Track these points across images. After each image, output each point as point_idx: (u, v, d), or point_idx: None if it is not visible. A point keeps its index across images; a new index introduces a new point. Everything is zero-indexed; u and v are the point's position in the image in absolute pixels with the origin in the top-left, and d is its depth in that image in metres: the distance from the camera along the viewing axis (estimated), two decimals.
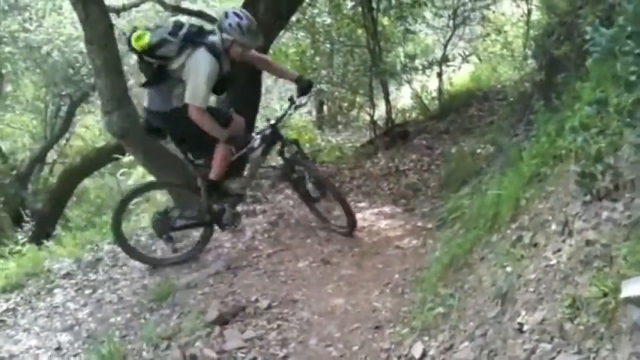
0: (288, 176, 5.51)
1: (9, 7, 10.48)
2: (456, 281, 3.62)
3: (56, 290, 5.32)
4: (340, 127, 10.37)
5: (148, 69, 4.69)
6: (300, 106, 5.32)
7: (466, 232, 3.99)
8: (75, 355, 4.38)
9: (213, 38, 4.63)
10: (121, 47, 5.97)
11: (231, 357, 3.69)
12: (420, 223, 5.42)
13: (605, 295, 2.18)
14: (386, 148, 7.46)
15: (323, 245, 5.22)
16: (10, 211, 10.47)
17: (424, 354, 3.26)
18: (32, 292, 5.37)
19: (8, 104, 12.51)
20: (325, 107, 10.86)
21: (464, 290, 3.44)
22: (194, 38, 4.58)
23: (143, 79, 4.84)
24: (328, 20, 8.67)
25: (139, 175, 7.12)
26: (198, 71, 4.51)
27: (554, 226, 2.90)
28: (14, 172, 11.54)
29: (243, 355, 3.70)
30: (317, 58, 9.15)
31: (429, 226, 5.23)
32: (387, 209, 5.89)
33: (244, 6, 5.66)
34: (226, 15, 4.65)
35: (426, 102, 8.95)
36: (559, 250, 2.71)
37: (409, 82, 8.76)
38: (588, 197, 2.68)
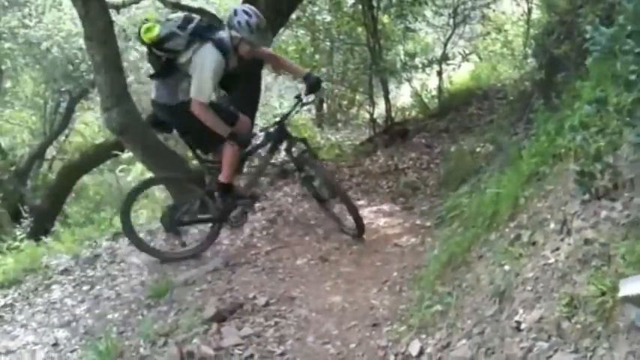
0: (287, 173, 5.51)
1: (9, 3, 10.47)
2: (454, 279, 3.62)
3: (54, 286, 5.31)
4: (340, 125, 10.37)
5: (157, 61, 4.69)
6: (307, 103, 5.30)
7: (465, 231, 3.99)
8: (72, 351, 4.37)
9: (222, 34, 4.60)
10: (121, 44, 5.97)
11: (228, 354, 3.68)
12: (418, 222, 5.41)
13: (603, 293, 2.18)
14: (385, 146, 7.45)
15: (321, 243, 5.22)
16: (9, 207, 10.46)
17: (421, 352, 3.26)
18: (30, 288, 5.36)
19: (7, 100, 12.50)
20: (325, 105, 10.86)
21: (462, 288, 3.44)
22: (202, 33, 4.55)
23: (152, 71, 4.85)
24: (328, 18, 8.67)
25: (138, 171, 7.12)
26: (203, 66, 4.49)
27: (552, 225, 2.90)
28: (13, 168, 11.51)
29: (241, 352, 3.69)
30: (317, 56, 9.15)
31: (428, 224, 5.22)
32: (385, 207, 5.88)
33: (244, 3, 5.65)
34: (235, 12, 4.61)
35: (426, 100, 8.95)
36: (557, 249, 2.70)
37: (409, 80, 8.77)
38: (587, 196, 2.68)
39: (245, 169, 6.01)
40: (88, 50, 5.77)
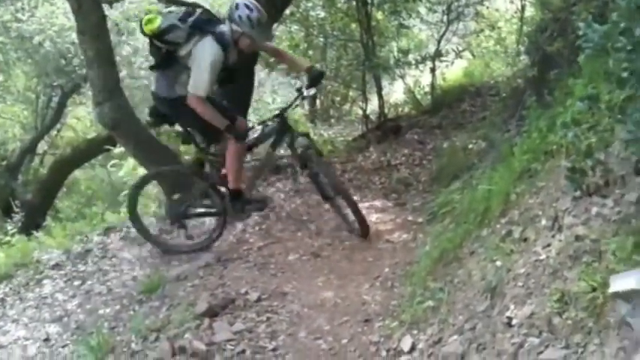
0: (279, 169, 5.47)
1: None
2: (446, 275, 3.63)
3: (45, 281, 5.29)
4: (333, 120, 10.36)
5: (157, 53, 4.66)
6: (308, 97, 5.18)
7: (456, 227, 4.00)
8: (63, 346, 4.36)
9: (223, 28, 4.54)
10: (114, 38, 5.94)
11: (220, 349, 3.69)
12: (410, 218, 5.42)
13: (594, 289, 2.20)
14: (378, 142, 7.45)
15: (313, 238, 5.22)
16: (0, 202, 10.42)
17: (413, 347, 3.28)
18: (21, 282, 5.34)
19: None
20: (318, 101, 10.85)
21: (453, 284, 3.45)
22: (203, 26, 4.50)
23: (153, 63, 4.82)
24: (322, 14, 8.65)
25: (130, 166, 7.09)
26: (202, 60, 4.44)
27: (544, 221, 2.91)
28: (4, 163, 11.48)
29: (232, 348, 3.70)
30: (310, 52, 9.13)
31: (420, 220, 5.23)
32: (378, 203, 5.88)
33: None
34: (237, 6, 4.52)
35: (419, 97, 8.94)
36: (548, 245, 2.72)
37: (402, 76, 8.75)
38: (578, 193, 2.69)
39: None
40: (80, 44, 5.73)
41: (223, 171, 4.94)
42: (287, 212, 5.76)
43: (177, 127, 5.17)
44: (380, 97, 8.22)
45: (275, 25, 7.71)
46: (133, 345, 3.95)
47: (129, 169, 7.08)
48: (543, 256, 2.68)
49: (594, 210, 2.54)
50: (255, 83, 7.37)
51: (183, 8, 4.69)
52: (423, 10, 8.70)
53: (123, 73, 8.92)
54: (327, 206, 5.58)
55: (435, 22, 8.88)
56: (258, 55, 6.06)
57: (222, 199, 5.07)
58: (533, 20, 7.00)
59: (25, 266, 5.58)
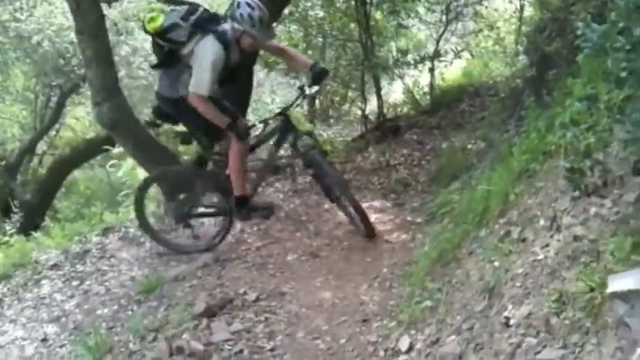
0: (278, 169, 5.44)
1: None
2: (444, 275, 3.63)
3: (43, 281, 5.29)
4: (332, 120, 10.36)
5: (160, 52, 4.64)
6: (310, 95, 5.07)
7: (455, 227, 4.00)
8: (61, 347, 4.36)
9: (225, 26, 4.50)
10: (112, 38, 5.93)
11: (218, 349, 3.68)
12: (409, 218, 5.41)
13: (592, 290, 2.19)
14: (377, 142, 7.45)
15: (312, 239, 5.22)
16: None
17: (411, 347, 3.27)
18: (19, 282, 5.33)
19: None
20: (317, 101, 10.85)
21: (451, 284, 3.45)
22: (204, 25, 4.47)
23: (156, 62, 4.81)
24: (321, 14, 8.64)
25: (129, 167, 7.09)
26: (203, 58, 4.41)
27: (542, 222, 2.91)
28: (3, 163, 11.47)
29: (230, 348, 3.69)
30: (309, 52, 9.11)
31: (419, 220, 5.23)
32: (377, 203, 5.88)
33: None
34: (238, 4, 4.46)
35: (418, 97, 8.93)
36: (547, 245, 2.72)
37: (401, 76, 8.74)
38: (577, 193, 2.69)
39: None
40: (79, 44, 5.73)
41: (227, 171, 4.92)
42: (286, 212, 5.75)
43: (180, 127, 5.14)
44: (379, 97, 8.21)
45: (274, 25, 7.71)
46: (130, 345, 3.94)
47: (128, 169, 7.08)
48: (541, 257, 2.68)
49: (593, 210, 2.54)
50: (254, 83, 7.38)
51: (185, 7, 4.64)
52: (421, 9, 8.69)
53: (122, 73, 8.95)
54: (326, 206, 5.59)
55: (433, 21, 8.87)
56: (257, 54, 6.05)
57: (226, 199, 5.03)
58: (532, 20, 7.02)
59: (23, 266, 5.58)
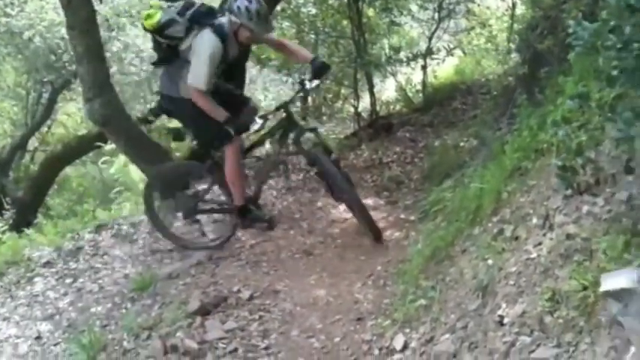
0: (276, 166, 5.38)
1: None
2: (438, 274, 3.64)
3: (36, 279, 5.27)
4: (324, 118, 10.35)
5: (159, 49, 4.64)
6: (311, 90, 4.97)
7: (448, 225, 4.00)
8: (55, 345, 4.35)
9: (222, 20, 4.47)
10: (104, 34, 5.90)
11: (212, 347, 3.69)
12: (402, 216, 5.43)
13: (585, 288, 2.21)
14: (370, 140, 7.45)
15: (306, 237, 5.22)
16: None
17: (405, 346, 3.29)
18: (12, 280, 5.31)
19: None
20: (310, 98, 10.83)
21: (445, 283, 3.46)
22: (201, 19, 4.45)
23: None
24: (313, 10, 8.63)
25: (121, 163, 7.07)
26: (200, 52, 4.39)
27: (535, 220, 2.92)
28: None
29: (224, 346, 3.70)
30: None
31: (412, 218, 5.24)
32: (370, 201, 5.88)
33: None
34: None
35: (410, 95, 8.94)
36: (540, 244, 2.73)
37: (394, 74, 8.75)
38: (569, 191, 2.70)
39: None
40: (70, 40, 5.70)
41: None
42: (279, 210, 5.75)
43: (173, 123, 5.12)
44: (371, 94, 8.21)
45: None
46: (124, 343, 3.94)
47: (120, 166, 7.06)
48: (534, 255, 2.69)
49: (585, 208, 2.55)
50: (247, 80, 7.35)
51: (182, 2, 4.60)
52: (414, 7, 8.70)
53: (113, 69, 8.90)
54: (319, 204, 5.59)
55: (426, 19, 8.87)
56: (250, 50, 6.03)
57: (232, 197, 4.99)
58: (524, 18, 7.02)
59: (16, 264, 5.54)
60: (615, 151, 2.48)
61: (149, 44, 9.68)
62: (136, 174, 6.75)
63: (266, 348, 3.71)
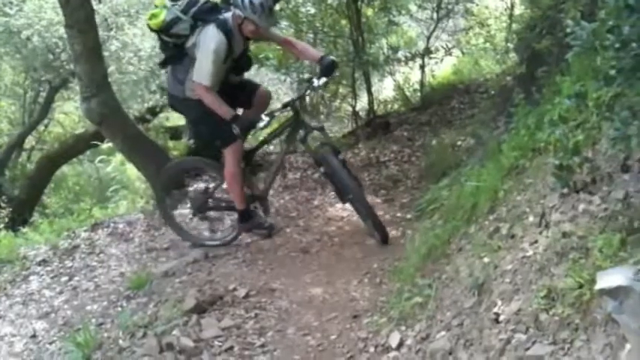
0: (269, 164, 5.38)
1: None
2: (434, 271, 3.64)
3: (32, 277, 5.27)
4: (322, 117, 10.35)
5: (166, 48, 4.64)
6: (319, 88, 4.92)
7: (444, 223, 4.00)
8: (50, 343, 4.34)
9: (226, 15, 4.46)
10: (102, 33, 5.90)
11: (208, 345, 3.67)
12: (399, 214, 5.42)
13: (581, 286, 2.20)
14: (367, 138, 7.45)
15: (302, 235, 5.22)
16: None
17: (401, 343, 3.28)
18: (7, 279, 5.31)
19: None
20: (308, 97, 10.82)
21: (441, 280, 3.46)
22: (205, 16, 4.44)
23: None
24: (312, 10, 8.62)
25: (118, 162, 7.07)
26: (204, 48, 4.38)
27: (531, 218, 2.92)
28: None
29: (220, 344, 3.69)
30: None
31: (409, 216, 5.24)
32: (367, 200, 5.88)
33: None
34: None
35: (408, 94, 8.93)
36: (536, 242, 2.73)
37: (392, 73, 8.75)
38: (566, 190, 2.71)
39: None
40: (68, 39, 5.70)
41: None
42: (275, 208, 5.74)
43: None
44: (369, 93, 8.21)
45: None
46: (120, 341, 3.92)
47: (117, 164, 7.06)
48: (530, 253, 2.69)
49: (581, 207, 2.55)
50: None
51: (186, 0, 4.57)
52: (413, 6, 8.69)
53: (111, 68, 8.88)
54: (315, 202, 5.58)
55: (424, 19, 8.87)
56: (248, 49, 6.02)
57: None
58: (523, 18, 7.01)
59: (11, 262, 5.55)
60: (612, 150, 2.48)
61: (147, 43, 9.80)
62: (133, 172, 6.74)
63: (262, 346, 3.70)
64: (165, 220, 5.33)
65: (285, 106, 4.88)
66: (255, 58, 8.02)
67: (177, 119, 11.00)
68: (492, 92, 7.08)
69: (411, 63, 8.36)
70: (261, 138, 5.31)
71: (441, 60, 8.51)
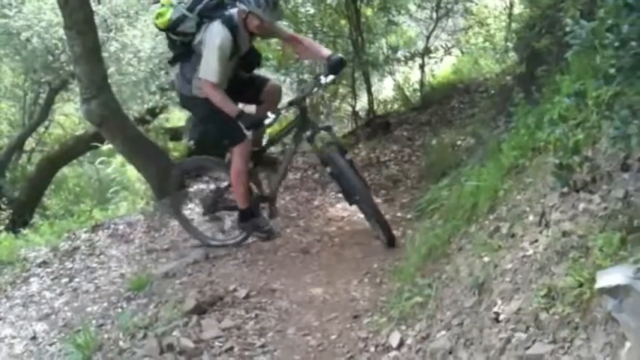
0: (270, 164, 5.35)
1: None
2: (434, 271, 3.64)
3: (32, 279, 5.27)
4: (322, 117, 10.35)
5: (173, 46, 4.64)
6: (326, 85, 4.86)
7: (444, 223, 4.00)
8: (51, 345, 4.34)
9: (232, 11, 4.45)
10: (102, 34, 5.90)
11: (208, 346, 3.67)
12: (399, 214, 5.42)
13: (581, 285, 2.20)
14: (367, 138, 7.45)
15: (302, 235, 5.22)
16: None
17: (401, 343, 3.28)
18: (8, 280, 5.31)
19: None
20: (307, 97, 10.81)
21: (441, 280, 3.45)
22: (211, 12, 4.43)
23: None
24: (311, 10, 8.62)
25: (118, 163, 7.07)
26: (210, 44, 4.37)
27: (531, 217, 2.92)
28: None
29: (221, 345, 3.68)
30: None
31: (409, 216, 5.24)
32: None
33: None
34: None
35: (408, 94, 8.93)
36: (536, 241, 2.73)
37: (391, 73, 8.75)
38: (566, 189, 2.70)
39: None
40: (67, 41, 5.71)
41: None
42: (276, 208, 5.73)
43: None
44: (369, 93, 8.21)
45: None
46: (120, 343, 3.92)
47: (117, 166, 7.06)
48: (530, 252, 2.69)
49: (581, 206, 2.55)
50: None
51: None
52: (412, 6, 8.69)
53: (111, 70, 8.88)
54: (316, 203, 5.58)
55: (424, 18, 8.87)
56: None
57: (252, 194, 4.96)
58: (522, 17, 7.01)
59: (11, 264, 5.56)
60: (612, 149, 2.47)
61: (147, 44, 9.78)
62: (133, 174, 6.74)
63: (262, 346, 3.69)
64: (177, 218, 5.31)
65: (291, 103, 4.85)
66: None
67: (177, 120, 11.02)
68: (492, 92, 7.08)
69: (410, 63, 8.36)
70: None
71: (441, 59, 8.51)
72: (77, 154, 11.38)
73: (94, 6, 6.00)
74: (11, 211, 9.21)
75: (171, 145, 7.32)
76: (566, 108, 2.88)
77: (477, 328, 2.74)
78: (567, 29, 2.38)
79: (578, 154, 2.64)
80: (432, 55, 8.31)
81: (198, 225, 5.43)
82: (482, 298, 2.87)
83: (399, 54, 8.32)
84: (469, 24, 9.02)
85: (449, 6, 8.41)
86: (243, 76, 4.76)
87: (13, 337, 4.51)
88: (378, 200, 5.78)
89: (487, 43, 9.11)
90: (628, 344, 1.87)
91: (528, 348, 2.29)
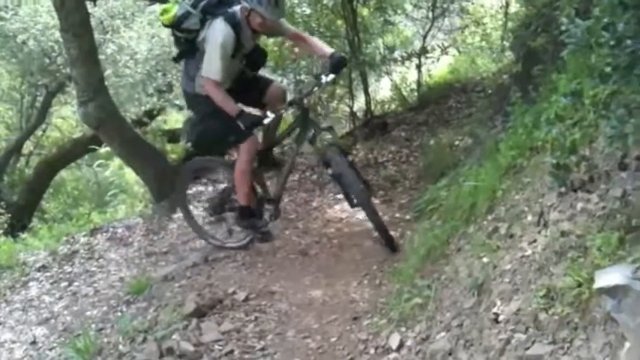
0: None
1: None
2: (433, 272, 3.64)
3: (31, 283, 5.27)
4: (320, 118, 10.35)
5: (178, 43, 4.64)
6: (327, 84, 4.78)
7: (443, 224, 4.00)
8: (50, 349, 4.34)
9: (235, 8, 4.42)
10: (98, 36, 5.89)
11: (208, 349, 3.67)
12: (398, 215, 5.42)
13: (580, 285, 2.20)
14: (365, 139, 7.44)
15: (301, 237, 5.21)
16: None
17: (401, 344, 3.28)
18: (7, 285, 5.31)
19: None
20: (308, 97, 10.80)
21: (440, 281, 3.46)
22: (214, 9, 4.41)
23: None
24: (308, 11, 8.61)
25: (116, 166, 7.07)
26: (212, 41, 4.34)
27: (529, 217, 2.92)
28: None
29: (221, 348, 3.69)
30: (296, 49, 9.08)
31: (407, 217, 5.23)
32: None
33: None
34: None
35: (405, 94, 8.93)
36: (534, 241, 2.73)
37: (388, 73, 8.75)
38: (563, 189, 2.70)
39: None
40: (64, 43, 5.71)
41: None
42: None
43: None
44: (366, 94, 8.20)
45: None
46: (120, 347, 3.92)
47: (115, 168, 7.06)
48: (529, 252, 2.69)
49: (579, 206, 2.55)
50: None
51: None
52: (408, 6, 8.69)
53: (107, 72, 8.87)
54: (314, 204, 5.57)
55: (420, 18, 8.87)
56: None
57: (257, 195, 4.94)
58: (518, 16, 7.01)
59: (10, 268, 5.55)
60: (609, 148, 2.48)
61: (143, 46, 9.77)
62: (131, 176, 6.74)
63: (262, 349, 3.70)
64: (184, 217, 5.30)
65: (291, 103, 4.83)
66: None
67: (174, 122, 11.02)
68: (489, 91, 7.08)
69: (407, 62, 8.35)
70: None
71: (438, 59, 8.50)
72: (75, 157, 11.37)
73: (90, 8, 5.98)
74: (10, 215, 9.18)
75: (168, 147, 7.30)
76: (563, 107, 2.88)
77: (476, 329, 2.74)
78: (563, 28, 2.38)
79: (575, 154, 2.64)
80: (428, 54, 8.31)
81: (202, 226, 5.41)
82: (481, 298, 2.87)
83: (396, 54, 8.31)
84: (465, 23, 9.02)
85: (445, 5, 8.40)
86: (248, 75, 4.75)
87: (13, 342, 4.51)
88: (376, 201, 5.77)
89: (483, 43, 9.11)
90: (627, 344, 1.87)
91: (528, 349, 2.29)
